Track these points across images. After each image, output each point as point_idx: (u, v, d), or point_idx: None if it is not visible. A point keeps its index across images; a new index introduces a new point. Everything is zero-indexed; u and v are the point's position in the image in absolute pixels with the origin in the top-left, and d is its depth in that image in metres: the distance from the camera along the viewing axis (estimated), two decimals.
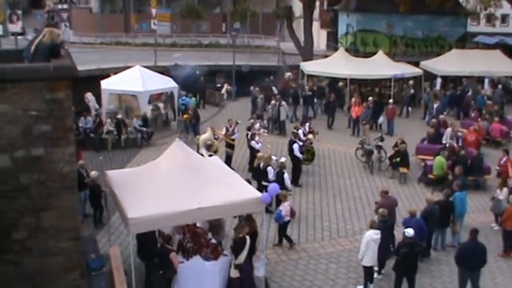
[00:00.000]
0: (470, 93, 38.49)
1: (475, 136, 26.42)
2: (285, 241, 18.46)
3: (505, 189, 19.79)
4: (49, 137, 10.65)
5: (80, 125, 27.99)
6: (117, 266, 14.89)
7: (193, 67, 40.95)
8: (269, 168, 20.45)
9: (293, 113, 34.81)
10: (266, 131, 28.35)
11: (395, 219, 18.17)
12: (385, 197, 18.47)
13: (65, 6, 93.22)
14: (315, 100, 35.59)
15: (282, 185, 19.66)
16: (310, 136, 26.49)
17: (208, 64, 46.40)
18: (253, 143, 24.43)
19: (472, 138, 26.29)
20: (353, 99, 33.53)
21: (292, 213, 18.22)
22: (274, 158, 21.75)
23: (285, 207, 17.96)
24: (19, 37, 39.33)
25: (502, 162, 22.77)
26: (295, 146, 23.70)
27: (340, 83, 38.11)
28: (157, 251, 14.96)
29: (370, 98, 33.04)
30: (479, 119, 30.19)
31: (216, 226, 16.69)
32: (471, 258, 15.26)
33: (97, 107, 31.93)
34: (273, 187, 16.74)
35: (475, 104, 35.13)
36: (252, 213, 16.08)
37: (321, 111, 35.76)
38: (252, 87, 36.01)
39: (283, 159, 21.49)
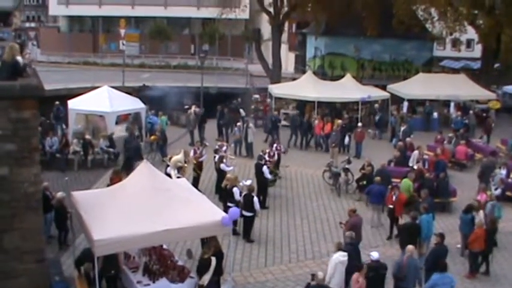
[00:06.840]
0: (436, 116, 39.36)
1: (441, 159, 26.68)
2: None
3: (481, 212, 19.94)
4: (14, 156, 10.51)
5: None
6: None
7: (161, 88, 40.76)
8: (235, 189, 20.27)
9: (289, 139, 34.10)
10: (233, 156, 28.21)
11: (362, 238, 18.79)
12: (353, 216, 18.72)
13: (33, 24, 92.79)
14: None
15: (251, 208, 19.64)
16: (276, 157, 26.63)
17: (177, 85, 46.29)
18: (222, 165, 24.27)
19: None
20: (316, 121, 33.82)
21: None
22: (241, 182, 21.71)
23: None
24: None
25: (393, 199, 20.86)
26: (265, 169, 23.68)
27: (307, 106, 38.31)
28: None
29: (339, 121, 33.17)
30: (445, 142, 30.54)
31: None
32: (441, 262, 15.86)
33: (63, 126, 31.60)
34: (234, 211, 16.32)
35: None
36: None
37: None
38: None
39: (249, 182, 21.42)
